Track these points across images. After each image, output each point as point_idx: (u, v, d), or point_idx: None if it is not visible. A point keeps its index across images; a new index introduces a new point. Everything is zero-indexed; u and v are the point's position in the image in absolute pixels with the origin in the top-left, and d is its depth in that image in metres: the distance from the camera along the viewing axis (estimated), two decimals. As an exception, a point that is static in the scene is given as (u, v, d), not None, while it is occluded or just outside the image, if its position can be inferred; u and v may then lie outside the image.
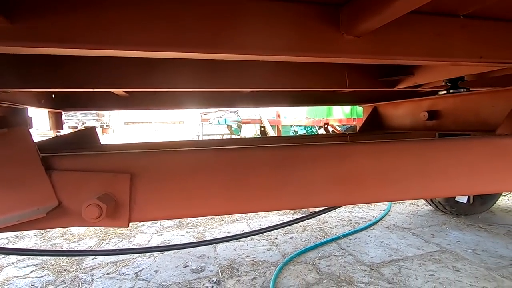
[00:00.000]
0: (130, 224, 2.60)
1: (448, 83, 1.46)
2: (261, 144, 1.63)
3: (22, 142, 0.70)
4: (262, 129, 1.63)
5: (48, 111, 1.88)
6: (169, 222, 2.80)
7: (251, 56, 0.78)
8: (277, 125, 5.86)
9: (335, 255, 2.01)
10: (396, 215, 2.83)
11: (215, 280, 1.72)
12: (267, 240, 2.31)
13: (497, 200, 2.90)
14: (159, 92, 1.92)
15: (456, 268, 1.80)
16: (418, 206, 3.12)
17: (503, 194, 3.28)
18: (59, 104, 1.82)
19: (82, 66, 1.31)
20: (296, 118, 6.25)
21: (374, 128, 1.81)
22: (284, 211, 3.08)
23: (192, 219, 2.86)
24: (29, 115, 1.61)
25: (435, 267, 1.82)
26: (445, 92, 1.45)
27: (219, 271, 1.82)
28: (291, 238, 2.33)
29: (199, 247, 2.18)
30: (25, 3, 0.60)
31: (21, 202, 0.72)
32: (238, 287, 1.65)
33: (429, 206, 2.98)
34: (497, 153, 0.97)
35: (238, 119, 6.76)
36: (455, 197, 2.16)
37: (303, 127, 6.60)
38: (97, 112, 12.78)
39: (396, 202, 3.27)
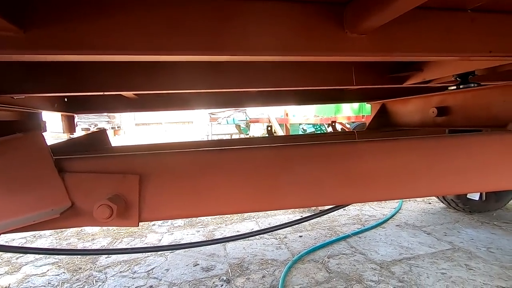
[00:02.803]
0: (142, 224, 2.65)
1: (458, 78, 1.44)
2: (268, 143, 1.64)
3: (36, 145, 0.73)
4: (269, 128, 1.63)
5: (61, 115, 1.94)
6: (179, 222, 2.84)
7: (257, 57, 0.79)
8: (285, 124, 5.84)
9: (344, 254, 2.00)
10: (407, 213, 2.80)
11: (224, 278, 1.74)
12: (276, 239, 2.32)
13: (513, 197, 2.82)
14: (167, 93, 1.95)
15: (469, 266, 1.77)
16: (430, 203, 3.07)
17: (519, 190, 3.18)
18: (71, 107, 1.87)
19: (93, 71, 1.35)
20: (305, 117, 6.22)
21: (382, 125, 1.79)
22: (293, 210, 3.08)
23: (202, 218, 2.89)
24: (43, 119, 1.66)
25: (447, 265, 1.79)
26: (454, 87, 1.42)
27: (229, 270, 1.84)
28: (300, 236, 2.33)
29: (209, 246, 2.21)
30: (38, 13, 0.63)
31: (37, 203, 0.74)
32: (247, 285, 1.66)
33: (442, 203, 2.92)
34: (509, 149, 0.95)
35: (246, 118, 6.77)
36: (467, 194, 2.11)
37: (311, 125, 6.56)
38: (109, 114, 13.02)
39: (407, 200, 3.23)
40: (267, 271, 1.80)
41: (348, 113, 5.34)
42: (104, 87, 1.36)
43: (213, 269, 1.86)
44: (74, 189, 0.76)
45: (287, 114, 6.39)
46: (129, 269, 1.93)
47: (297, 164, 0.93)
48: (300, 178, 0.92)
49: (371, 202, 3.16)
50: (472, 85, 1.35)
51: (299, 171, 0.92)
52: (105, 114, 13.09)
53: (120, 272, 1.90)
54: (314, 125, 6.31)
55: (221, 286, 1.67)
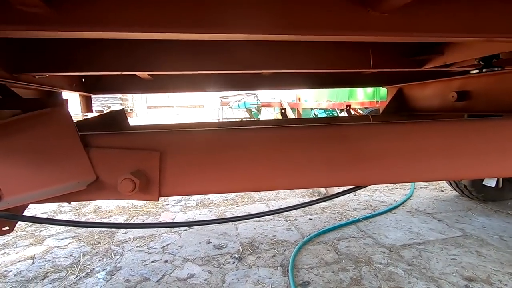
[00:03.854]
0: (156, 203, 2.73)
1: (481, 62, 1.38)
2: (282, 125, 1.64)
3: (63, 121, 0.76)
4: (283, 111, 1.63)
5: (79, 95, 1.98)
6: (192, 202, 2.92)
7: (270, 36, 0.78)
8: (297, 108, 5.78)
9: (354, 237, 2.03)
10: (419, 200, 2.78)
11: (236, 256, 1.80)
12: (287, 221, 2.36)
13: (530, 186, 2.76)
14: (179, 74, 1.96)
15: (480, 253, 1.77)
16: (442, 191, 3.04)
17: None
18: (88, 87, 1.91)
19: (111, 51, 1.36)
20: (317, 101, 6.13)
21: (399, 110, 1.76)
22: (303, 194, 3.11)
23: (214, 199, 2.96)
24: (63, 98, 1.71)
25: (457, 251, 1.80)
26: (477, 71, 1.37)
27: (240, 248, 1.90)
28: (310, 219, 2.37)
29: (221, 226, 2.28)
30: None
31: (64, 176, 0.78)
32: (258, 263, 1.72)
33: (454, 191, 2.89)
34: (531, 135, 0.93)
35: (257, 102, 6.73)
36: (482, 182, 2.08)
37: (323, 111, 6.48)
38: (121, 96, 13.18)
39: (419, 187, 3.20)
40: (278, 251, 1.86)
41: (362, 99, 5.22)
42: (122, 67, 1.38)
43: (225, 247, 1.93)
44: (99, 163, 0.80)
45: (299, 99, 6.31)
46: (145, 244, 2.02)
47: (312, 145, 0.94)
48: (315, 159, 0.93)
49: (382, 189, 3.16)
50: (496, 69, 1.30)
51: (314, 152, 0.93)
52: (118, 96, 13.26)
53: (137, 247, 1.99)
54: (326, 110, 6.23)
55: (233, 263, 1.73)
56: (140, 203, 2.92)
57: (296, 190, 3.19)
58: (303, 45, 1.64)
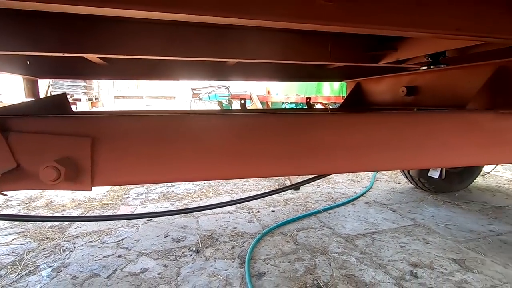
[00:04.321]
0: (115, 195, 2.60)
1: (429, 59, 1.45)
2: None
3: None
4: (242, 101, 1.61)
5: (23, 78, 1.82)
6: (154, 195, 2.82)
7: (214, 18, 0.74)
8: (267, 102, 5.79)
9: (313, 228, 2.08)
10: (377, 192, 2.91)
11: (194, 249, 1.77)
12: (249, 213, 2.36)
13: (475, 179, 2.99)
14: (140, 60, 1.86)
15: (426, 240, 1.89)
16: (399, 183, 3.20)
17: (481, 174, 3.38)
18: (34, 71, 1.75)
19: (54, 29, 1.25)
20: (286, 95, 6.19)
21: (356, 104, 1.80)
22: (269, 187, 3.13)
23: (177, 192, 2.89)
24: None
25: (407, 239, 1.90)
26: (426, 67, 1.44)
27: (199, 241, 1.87)
28: (273, 211, 2.39)
29: (182, 219, 2.23)
30: None
31: (-22, 163, 0.70)
32: (216, 255, 1.70)
33: (410, 184, 3.06)
34: (467, 128, 0.98)
35: (229, 95, 6.66)
36: (428, 173, 2.21)
37: (294, 105, 6.56)
38: (85, 84, 12.42)
39: (379, 179, 3.35)
40: (237, 243, 1.85)
41: (329, 94, 5.35)
42: (65, 48, 1.27)
43: (183, 240, 1.88)
44: (20, 149, 0.72)
45: (269, 92, 6.32)
46: (99, 239, 1.92)
47: (264, 133, 0.92)
48: (266, 148, 0.92)
49: (344, 181, 3.26)
50: (442, 65, 1.37)
51: (266, 140, 0.92)
52: (82, 84, 12.47)
53: (89, 242, 1.89)
54: (296, 104, 6.31)
55: (190, 256, 1.69)
56: (98, 196, 2.77)
57: (261, 183, 3.20)
58: (270, 35, 1.62)
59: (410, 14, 0.90)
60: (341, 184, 3.17)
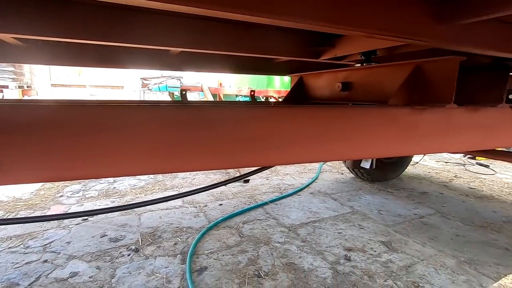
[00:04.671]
0: (46, 194, 2.34)
1: (362, 57, 1.54)
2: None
3: None
4: (184, 93, 1.54)
5: None
6: (93, 192, 2.61)
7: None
8: (219, 94, 5.71)
9: (259, 219, 2.11)
10: (322, 182, 3.07)
11: (133, 248, 1.67)
12: (196, 207, 2.31)
13: (406, 168, 3.32)
14: (70, 43, 1.67)
15: (361, 226, 2.04)
16: (342, 174, 3.41)
17: (411, 163, 3.77)
18: None
19: None
20: (239, 88, 6.18)
21: (299, 98, 1.86)
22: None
23: (120, 188, 2.71)
24: None
25: (344, 226, 2.03)
26: (359, 65, 1.52)
27: (140, 239, 1.77)
28: (221, 205, 2.37)
29: (123, 216, 2.09)
30: None
31: None
32: (157, 253, 1.63)
33: (351, 174, 3.28)
34: (387, 122, 1.06)
35: (179, 86, 6.40)
36: (361, 163, 2.39)
37: (249, 98, 6.58)
38: (15, 70, 10.92)
39: (324, 170, 3.54)
40: (180, 239, 1.80)
41: (279, 87, 5.46)
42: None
43: (122, 239, 1.77)
44: None
45: (221, 84, 6.23)
46: (22, 244, 1.71)
47: (200, 125, 0.89)
48: (200, 140, 0.89)
49: (292, 173, 3.38)
50: (373, 63, 1.47)
51: (199, 133, 0.89)
52: (10, 69, 10.94)
53: (9, 248, 1.67)
54: (250, 97, 6.33)
55: (128, 255, 1.60)
56: (24, 195, 2.47)
57: (212, 177, 3.16)
58: (217, 27, 1.58)
59: (343, 11, 0.93)
60: (290, 175, 3.28)
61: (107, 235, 1.82)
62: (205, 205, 2.35)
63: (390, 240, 1.85)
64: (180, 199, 2.46)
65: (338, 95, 1.51)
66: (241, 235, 1.86)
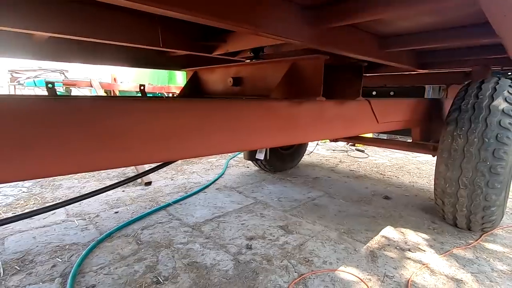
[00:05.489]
0: None
1: (252, 53, 1.61)
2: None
3: None
4: (50, 85, 1.29)
5: None
6: None
7: None
8: (113, 90, 5.10)
9: (161, 222, 1.99)
10: (228, 177, 3.12)
11: (-10, 281, 1.33)
12: (85, 219, 2.01)
13: (302, 157, 3.70)
14: None
15: (263, 214, 2.16)
16: (248, 167, 3.55)
17: (307, 153, 4.22)
18: None
19: None
20: (138, 84, 5.69)
21: (194, 93, 1.82)
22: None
23: (-26, 209, 2.12)
24: None
25: (247, 217, 2.11)
26: (249, 60, 1.59)
27: (1, 269, 1.42)
28: (116, 213, 2.13)
29: (-24, 244, 1.64)
30: None
31: None
32: (27, 281, 1.34)
33: (256, 167, 3.45)
34: (268, 114, 1.13)
35: (61, 80, 5.42)
36: (256, 155, 2.54)
37: (152, 94, 6.13)
38: None
39: (231, 165, 3.61)
40: (61, 259, 1.52)
41: (181, 83, 5.28)
42: None
43: (-27, 274, 1.39)
44: None
45: (115, 80, 5.59)
46: None
47: (68, 120, 0.74)
48: (69, 137, 0.75)
49: (199, 171, 3.32)
50: (260, 60, 1.55)
51: (66, 129, 0.74)
52: None
53: None
54: (153, 93, 5.92)
55: (-19, 292, 1.26)
56: None
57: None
58: (108, 14, 1.37)
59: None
60: (196, 173, 3.21)
61: None
62: (97, 215, 2.07)
63: (287, 223, 2.02)
64: (64, 212, 2.10)
65: (231, 90, 1.53)
66: (139, 242, 1.71)
